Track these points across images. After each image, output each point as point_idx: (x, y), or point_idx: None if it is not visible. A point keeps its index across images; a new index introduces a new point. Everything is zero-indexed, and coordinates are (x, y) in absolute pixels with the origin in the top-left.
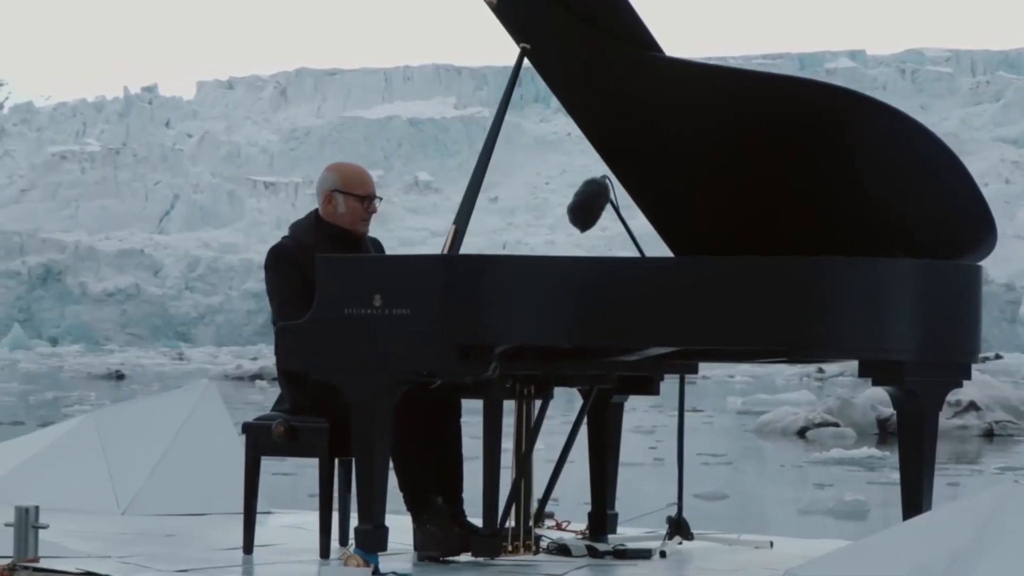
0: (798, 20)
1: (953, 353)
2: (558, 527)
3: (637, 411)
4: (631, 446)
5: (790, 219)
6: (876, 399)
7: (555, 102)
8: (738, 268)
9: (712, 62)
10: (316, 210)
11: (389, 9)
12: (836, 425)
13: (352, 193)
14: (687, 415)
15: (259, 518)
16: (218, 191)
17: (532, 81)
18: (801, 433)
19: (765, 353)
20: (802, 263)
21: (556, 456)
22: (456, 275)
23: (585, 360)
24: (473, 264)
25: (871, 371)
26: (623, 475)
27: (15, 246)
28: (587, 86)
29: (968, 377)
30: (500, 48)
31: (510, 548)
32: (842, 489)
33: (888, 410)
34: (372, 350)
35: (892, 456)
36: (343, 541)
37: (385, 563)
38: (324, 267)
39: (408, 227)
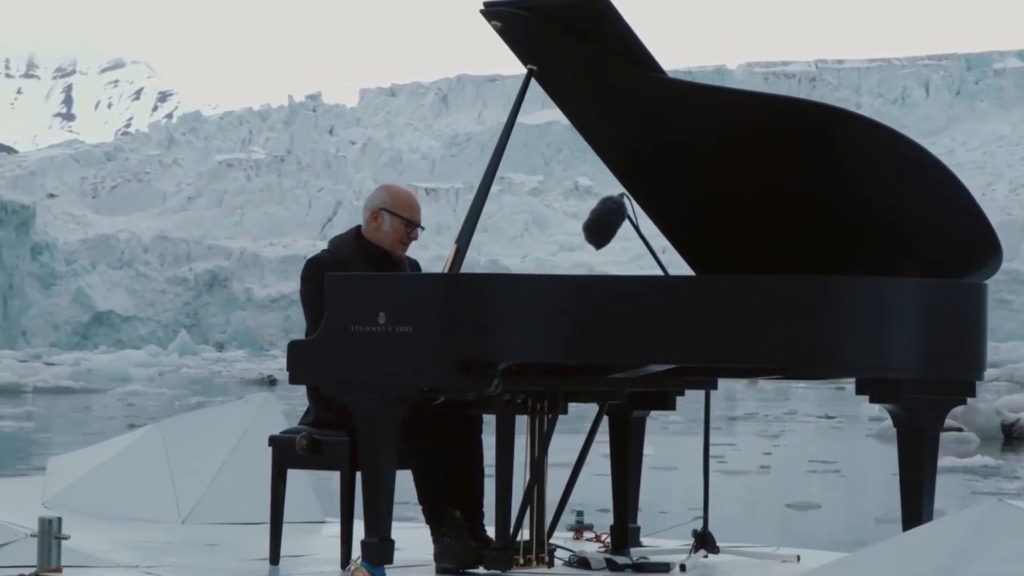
0: (965, 20)
1: (955, 371)
2: (597, 539)
3: (768, 417)
4: (749, 450)
5: (799, 234)
6: (1002, 404)
7: None
8: (737, 287)
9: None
10: (359, 226)
11: None
12: (959, 430)
13: (399, 215)
14: (814, 421)
15: (312, 527)
16: None
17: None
18: None
19: (767, 370)
20: (802, 281)
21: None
22: (457, 293)
23: (590, 376)
24: (473, 282)
25: (868, 388)
26: (728, 482)
27: (182, 253)
28: (594, 107)
29: (972, 395)
30: (664, 52)
31: (522, 561)
32: (938, 499)
33: (1013, 415)
34: (376, 366)
35: (1008, 464)
36: None
37: (399, 575)
38: (332, 284)
39: (568, 232)
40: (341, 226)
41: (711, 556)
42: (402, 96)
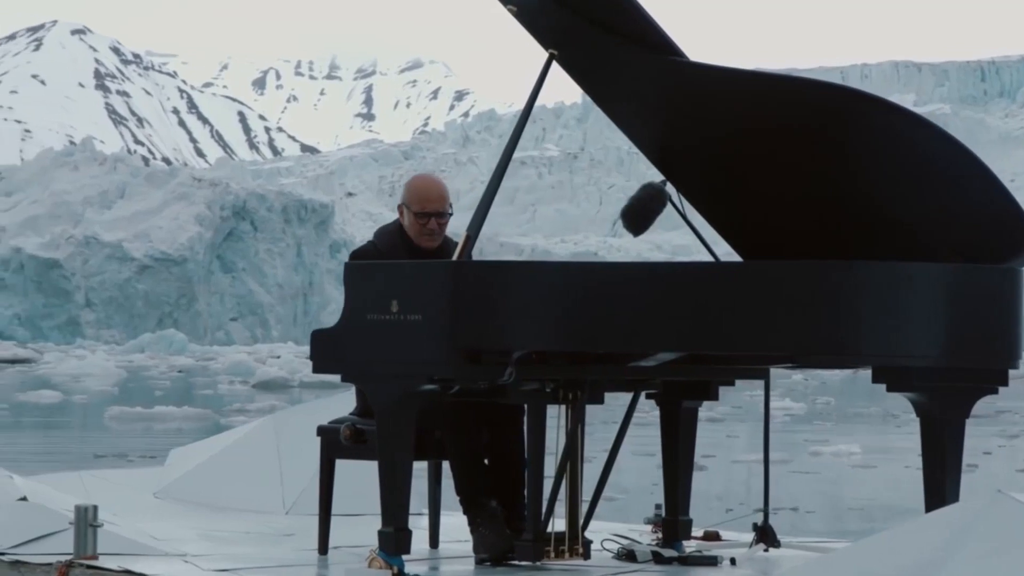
0: None
1: (983, 359)
2: None
3: (1017, 415)
4: (968, 449)
5: (832, 221)
6: None
7: (1021, 96)
8: (747, 273)
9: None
10: None
11: (847, 6)
12: None
13: (411, 209)
14: None
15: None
16: None
17: (996, 75)
18: None
19: (778, 359)
20: (812, 267)
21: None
22: (464, 282)
23: (609, 364)
24: (480, 271)
25: (884, 376)
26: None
27: (475, 250)
28: (618, 92)
29: (1004, 383)
30: (964, 43)
31: (553, 554)
32: None
33: None
34: (390, 355)
35: None
36: (433, 542)
37: (444, 565)
38: (349, 274)
39: None
40: None
41: (771, 550)
42: None
